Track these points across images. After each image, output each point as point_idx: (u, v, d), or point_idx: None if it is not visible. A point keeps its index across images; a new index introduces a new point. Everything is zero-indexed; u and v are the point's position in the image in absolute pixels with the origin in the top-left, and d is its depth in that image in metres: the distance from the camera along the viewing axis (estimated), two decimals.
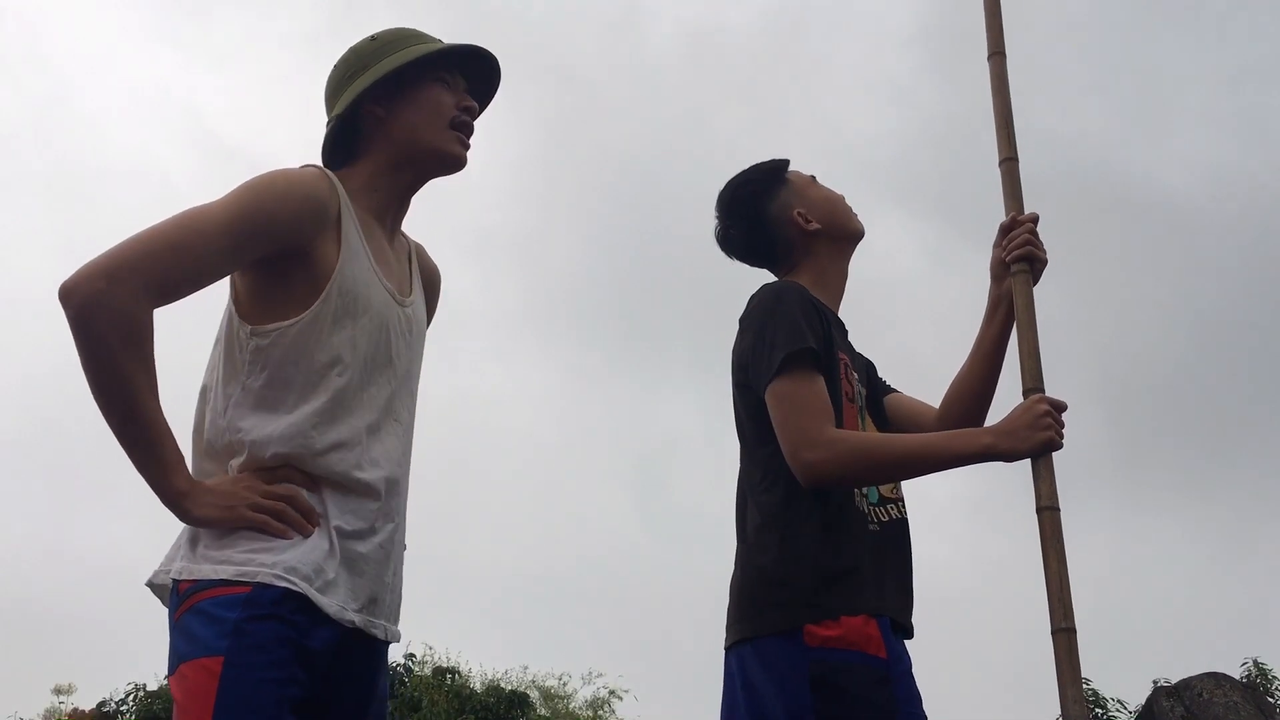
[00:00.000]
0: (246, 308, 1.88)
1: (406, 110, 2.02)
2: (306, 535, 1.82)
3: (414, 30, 2.08)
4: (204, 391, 1.93)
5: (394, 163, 2.03)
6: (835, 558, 2.10)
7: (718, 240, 2.54)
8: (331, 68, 2.08)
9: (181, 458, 1.82)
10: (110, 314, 1.71)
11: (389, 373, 1.96)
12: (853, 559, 2.11)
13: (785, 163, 2.52)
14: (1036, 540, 2.10)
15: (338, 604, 1.82)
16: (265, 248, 1.83)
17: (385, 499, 1.93)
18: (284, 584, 1.76)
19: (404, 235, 2.13)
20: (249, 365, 1.86)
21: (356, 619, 1.85)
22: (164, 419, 1.78)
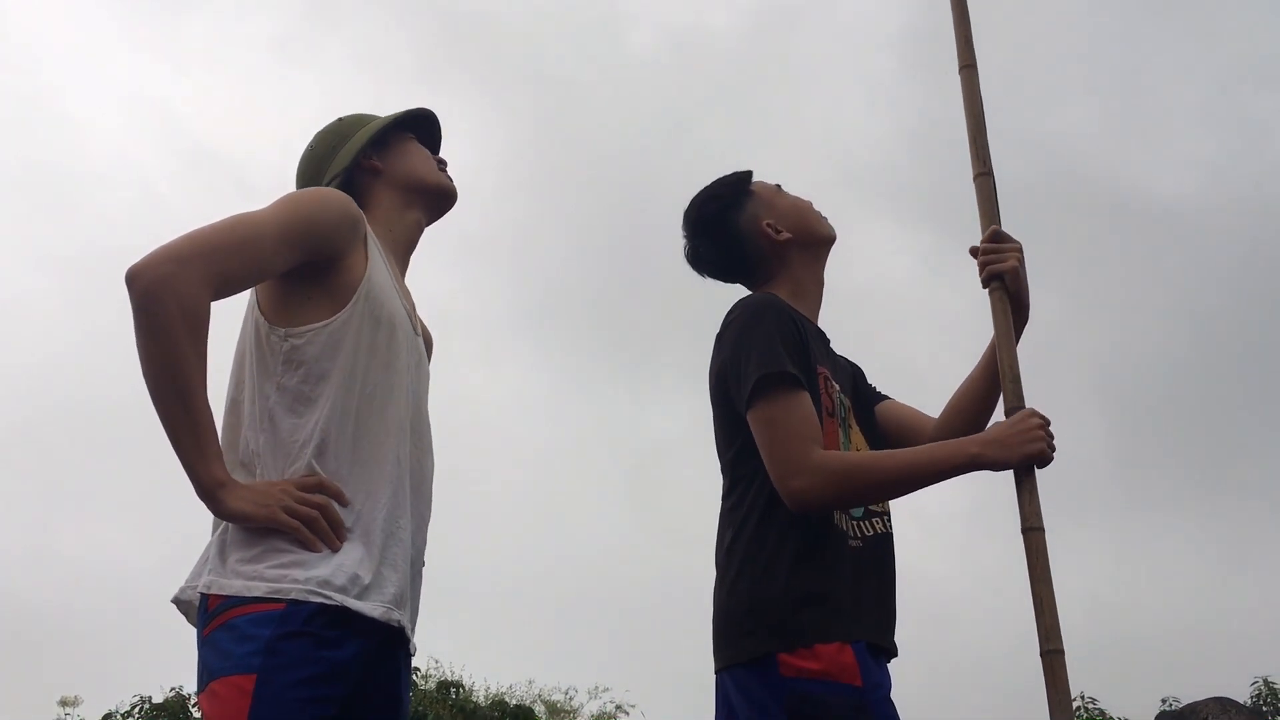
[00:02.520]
0: (275, 315, 1.95)
1: (400, 158, 2.24)
2: (334, 550, 1.84)
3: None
4: (234, 405, 1.97)
5: (402, 203, 2.21)
6: (809, 582, 2.06)
7: (687, 259, 2.50)
8: (306, 149, 2.25)
9: (221, 450, 1.85)
10: (176, 297, 1.77)
11: (410, 382, 2.04)
12: (828, 582, 2.07)
13: (748, 174, 2.48)
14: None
15: (382, 605, 1.86)
16: (307, 252, 1.92)
17: (418, 498, 2.01)
18: (318, 599, 1.78)
19: (409, 290, 2.22)
20: (284, 365, 1.92)
21: (402, 618, 1.90)
22: (210, 410, 1.82)
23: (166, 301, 1.77)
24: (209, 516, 1.90)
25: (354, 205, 2.01)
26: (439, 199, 2.26)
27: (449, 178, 2.29)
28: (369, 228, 2.06)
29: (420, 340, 2.14)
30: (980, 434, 2.11)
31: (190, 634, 1.89)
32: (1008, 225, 2.33)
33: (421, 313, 2.24)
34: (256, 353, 1.96)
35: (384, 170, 2.21)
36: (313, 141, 2.25)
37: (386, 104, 2.32)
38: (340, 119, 2.26)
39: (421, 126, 2.32)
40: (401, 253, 2.19)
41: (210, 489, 1.81)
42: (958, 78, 2.41)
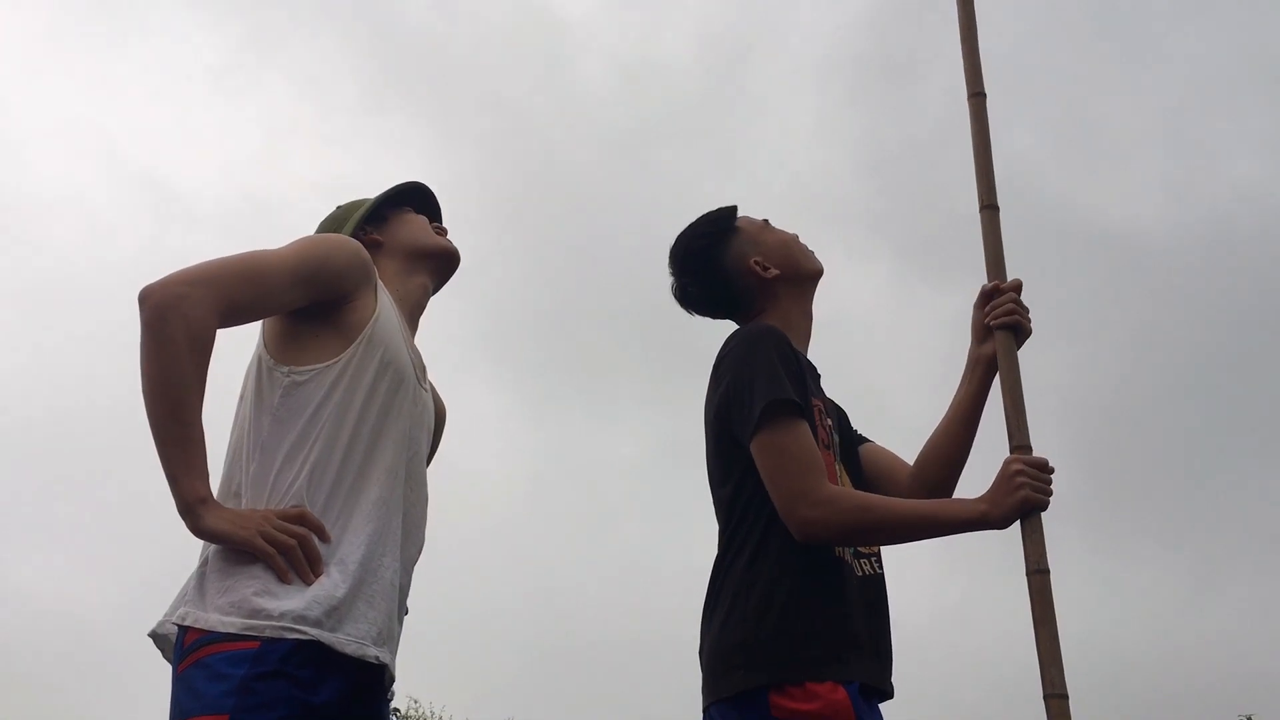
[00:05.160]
0: (281, 353, 2.00)
1: (399, 229, 2.32)
2: (308, 583, 1.83)
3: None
4: (235, 450, 2.00)
5: (406, 269, 2.27)
6: (805, 618, 2.03)
7: (675, 297, 2.49)
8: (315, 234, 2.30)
9: (207, 471, 1.87)
10: (184, 316, 1.83)
11: (408, 426, 2.05)
12: (824, 620, 2.04)
13: (733, 210, 2.48)
14: (1021, 598, 2.04)
15: (355, 640, 1.85)
16: (317, 291, 1.98)
17: (408, 542, 2.02)
18: (294, 636, 1.78)
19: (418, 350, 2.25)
20: (281, 399, 1.96)
21: (381, 654, 1.89)
22: (203, 430, 1.86)
23: (174, 321, 1.82)
24: (167, 553, 1.89)
25: (366, 252, 2.07)
26: (440, 260, 2.33)
27: (448, 240, 2.36)
28: (378, 277, 2.11)
29: (427, 395, 2.18)
30: (986, 493, 2.09)
31: (148, 674, 1.88)
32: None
33: None
34: (256, 386, 2.00)
35: (384, 241, 2.29)
36: (316, 230, 2.32)
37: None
38: (339, 205, 2.36)
39: (416, 198, 2.41)
40: (410, 315, 2.24)
41: (191, 504, 1.82)
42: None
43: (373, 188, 2.36)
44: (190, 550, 1.93)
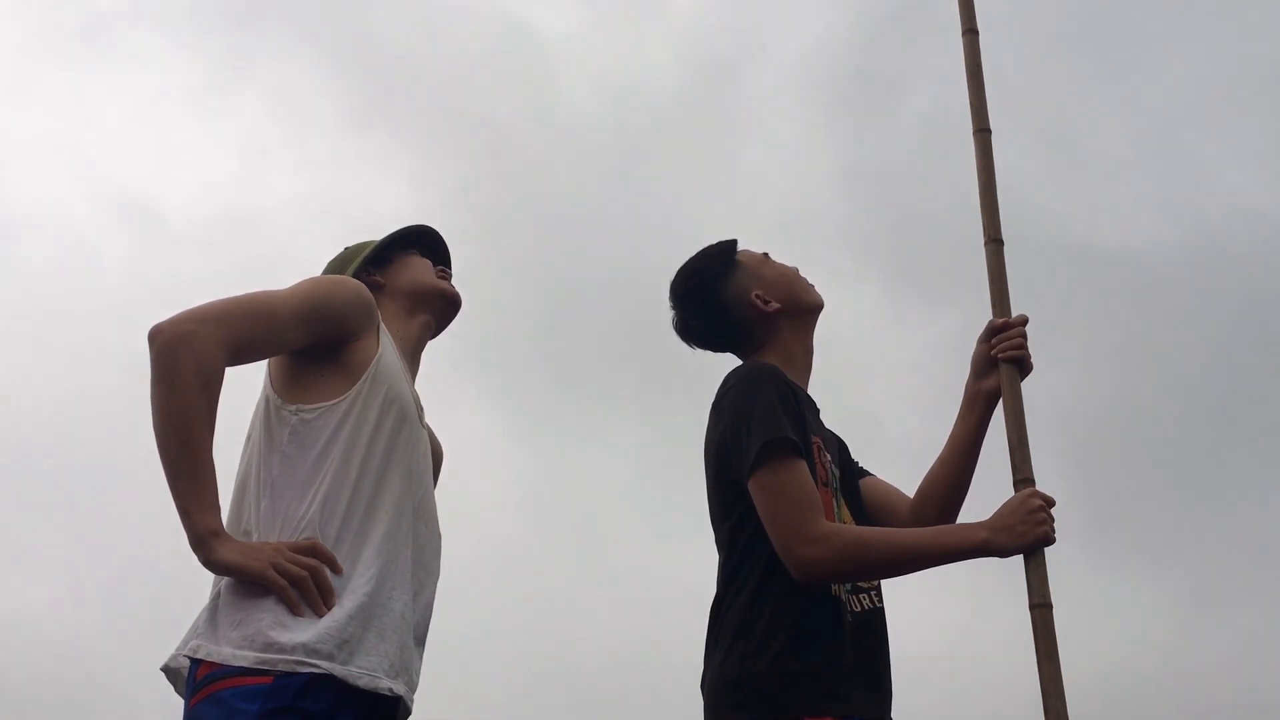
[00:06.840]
0: (287, 392, 2.03)
1: (401, 271, 2.36)
2: (319, 615, 1.84)
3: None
4: (242, 480, 2.02)
5: (406, 310, 2.32)
6: (803, 655, 2.03)
7: (677, 331, 2.50)
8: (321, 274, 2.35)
9: (218, 505, 1.89)
10: (193, 353, 1.86)
11: (411, 463, 2.08)
12: (823, 656, 2.04)
13: (733, 244, 2.48)
14: (1020, 625, 2.05)
15: (367, 673, 1.85)
16: (321, 331, 2.03)
17: (422, 572, 2.05)
18: (306, 670, 1.78)
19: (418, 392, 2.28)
20: (289, 438, 1.98)
21: (395, 686, 1.90)
22: (213, 464, 1.88)
23: (183, 356, 1.86)
24: (162, 582, 1.88)
25: (369, 293, 2.12)
26: (439, 303, 2.37)
27: (449, 284, 2.40)
28: (380, 319, 2.15)
29: (425, 434, 2.20)
30: (989, 519, 2.09)
31: (158, 708, 1.85)
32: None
33: None
34: (264, 426, 2.02)
35: (385, 283, 2.33)
36: (322, 272, 2.36)
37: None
38: (346, 247, 2.42)
39: (423, 241, 2.45)
40: (411, 357, 2.28)
41: (202, 536, 1.83)
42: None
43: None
44: (184, 573, 1.94)
